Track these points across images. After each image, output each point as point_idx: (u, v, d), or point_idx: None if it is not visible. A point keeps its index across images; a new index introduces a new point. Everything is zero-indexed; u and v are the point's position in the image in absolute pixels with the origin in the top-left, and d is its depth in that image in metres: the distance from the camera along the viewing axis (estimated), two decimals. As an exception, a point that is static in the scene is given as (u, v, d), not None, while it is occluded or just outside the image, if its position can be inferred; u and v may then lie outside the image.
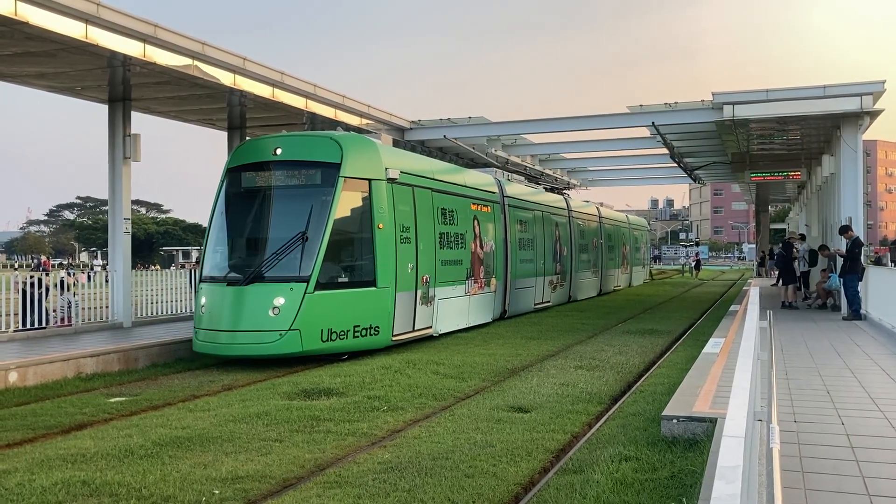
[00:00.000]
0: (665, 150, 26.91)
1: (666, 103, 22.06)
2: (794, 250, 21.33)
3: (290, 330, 12.17)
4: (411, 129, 24.73)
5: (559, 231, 25.53)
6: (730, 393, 3.45)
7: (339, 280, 13.10)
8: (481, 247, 18.27)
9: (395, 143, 21.97)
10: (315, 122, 20.24)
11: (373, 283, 13.31)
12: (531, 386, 10.35)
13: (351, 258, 13.58)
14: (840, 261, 17.55)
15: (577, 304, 25.75)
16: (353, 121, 21.10)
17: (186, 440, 7.43)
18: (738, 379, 3.64)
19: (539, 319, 20.09)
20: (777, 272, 23.99)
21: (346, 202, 13.13)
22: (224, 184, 13.96)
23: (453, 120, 24.55)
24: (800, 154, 26.26)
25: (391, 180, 13.89)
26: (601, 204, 34.52)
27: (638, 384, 10.83)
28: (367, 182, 13.48)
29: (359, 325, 13.02)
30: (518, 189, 22.41)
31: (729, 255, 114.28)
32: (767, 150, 26.13)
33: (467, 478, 6.27)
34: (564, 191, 32.04)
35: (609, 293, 32.28)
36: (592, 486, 6.01)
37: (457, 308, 16.81)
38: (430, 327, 15.35)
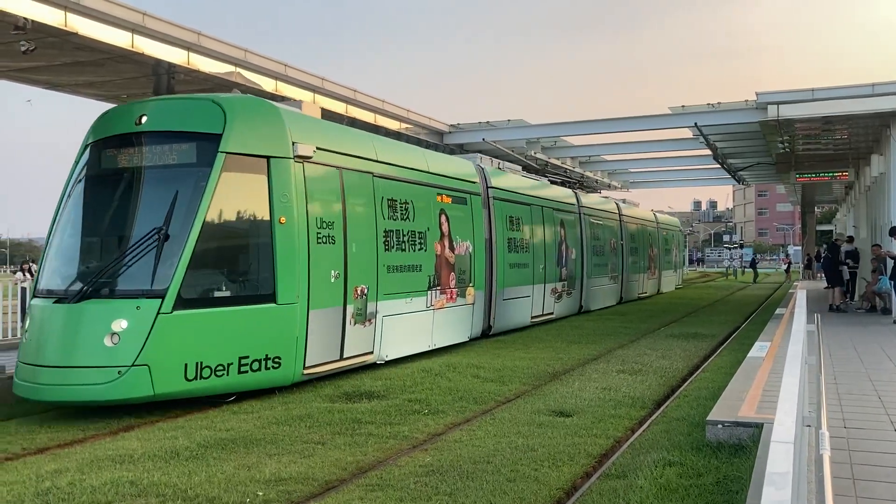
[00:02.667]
0: (708, 151, 26.57)
1: (709, 103, 21.80)
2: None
3: (133, 366, 8.69)
4: (450, 132, 24.78)
5: (566, 231, 21.63)
6: (777, 398, 3.39)
7: (216, 295, 9.58)
8: (451, 248, 14.50)
9: (435, 148, 22.00)
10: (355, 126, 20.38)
11: (271, 298, 9.83)
12: (573, 390, 10.27)
13: (236, 264, 10.15)
14: (890, 263, 17.11)
15: (617, 309, 25.43)
16: (392, 125, 21.21)
17: (230, 442, 7.52)
18: (787, 383, 3.58)
19: (581, 323, 19.92)
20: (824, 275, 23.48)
21: (228, 187, 9.63)
22: (77, 164, 10.59)
23: (492, 123, 24.55)
24: (847, 154, 25.69)
25: (302, 159, 10.41)
26: (623, 201, 30.76)
27: (682, 388, 10.68)
28: (263, 160, 10.01)
29: (248, 357, 9.52)
30: (509, 180, 18.46)
31: (774, 257, 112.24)
32: (813, 151, 25.63)
33: (509, 482, 6.25)
34: (583, 187, 28.56)
35: (632, 301, 28.53)
36: (636, 491, 5.94)
37: (413, 326, 13.21)
38: (371, 353, 11.88)
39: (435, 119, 23.96)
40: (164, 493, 5.92)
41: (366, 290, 11.67)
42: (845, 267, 20.64)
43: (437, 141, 24.20)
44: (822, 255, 27.48)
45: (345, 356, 11.23)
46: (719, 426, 7.17)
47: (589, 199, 25.18)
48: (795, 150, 25.12)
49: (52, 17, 11.78)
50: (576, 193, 23.79)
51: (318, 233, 10.51)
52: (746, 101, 21.12)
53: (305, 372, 10.26)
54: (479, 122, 24.68)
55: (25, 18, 11.42)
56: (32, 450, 7.01)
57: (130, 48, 13.07)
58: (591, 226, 24.10)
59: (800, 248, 56.36)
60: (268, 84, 16.10)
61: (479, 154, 18.83)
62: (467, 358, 13.17)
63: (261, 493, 5.95)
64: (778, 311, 19.73)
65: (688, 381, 11.23)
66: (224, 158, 9.63)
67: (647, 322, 20.13)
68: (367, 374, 11.48)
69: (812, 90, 18.94)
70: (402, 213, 12.93)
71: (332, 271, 10.84)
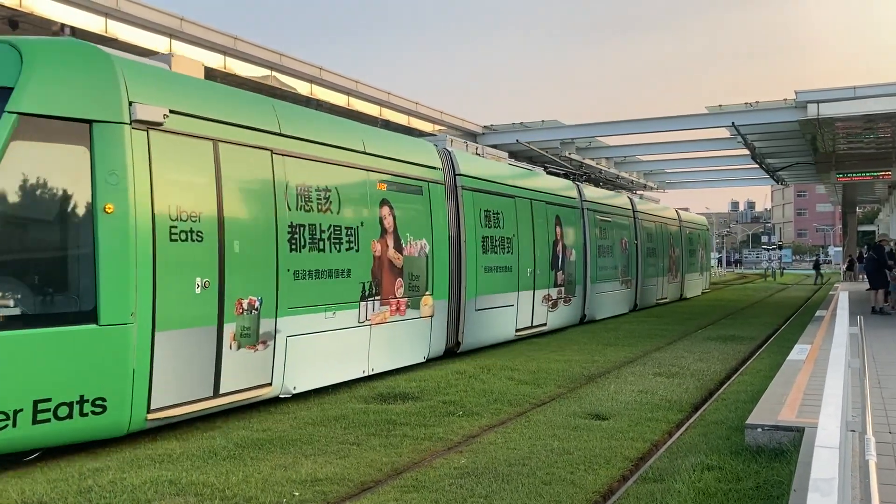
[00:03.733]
0: (746, 151, 26.24)
1: (746, 103, 21.54)
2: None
3: None
4: (484, 133, 24.77)
5: (564, 228, 18.51)
6: (818, 402, 3.32)
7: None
8: (398, 248, 11.79)
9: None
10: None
11: (89, 317, 7.24)
12: (609, 393, 10.19)
13: (33, 270, 7.34)
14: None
15: (651, 311, 25.16)
16: (426, 127, 21.27)
17: (267, 442, 7.58)
18: (830, 387, 3.50)
19: (617, 325, 19.76)
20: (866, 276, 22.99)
21: (23, 162, 7.10)
22: None
23: (526, 124, 24.50)
24: (890, 153, 25.15)
25: (146, 125, 7.72)
26: (639, 196, 28.39)
27: (719, 392, 10.54)
28: (82, 126, 7.43)
29: (50, 400, 6.91)
30: (484, 167, 15.28)
31: (813, 258, 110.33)
32: (855, 150, 25.15)
33: (544, 485, 6.21)
34: (586, 179, 25.09)
35: (650, 307, 25.76)
36: (674, 495, 5.87)
37: (338, 348, 10.49)
38: (268, 384, 9.11)
39: (468, 121, 23.98)
40: (202, 493, 5.99)
41: (257, 303, 8.87)
42: (890, 269, 20.20)
43: (470, 142, 24.22)
44: (865, 256, 26.91)
45: (222, 391, 8.40)
46: (759, 430, 7.06)
47: (595, 193, 22.17)
48: (836, 149, 24.68)
49: (94, 23, 12.02)
50: (577, 186, 20.67)
51: (172, 227, 7.82)
52: (785, 99, 20.82)
53: (151, 417, 7.55)
54: (513, 123, 24.67)
55: (63, 24, 11.66)
56: (74, 448, 7.14)
57: (168, 53, 13.26)
58: (596, 223, 20.95)
59: (840, 249, 55.25)
60: (303, 87, 16.24)
61: (448, 137, 15.90)
62: (501, 360, 13.13)
63: (297, 494, 5.99)
64: (818, 313, 19.36)
65: (726, 385, 11.08)
66: (16, 122, 6.99)
67: (684, 324, 19.89)
68: (402, 375, 11.50)
69: (854, 88, 18.61)
70: (320, 203, 10.06)
71: (198, 279, 8.10)
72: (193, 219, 8.10)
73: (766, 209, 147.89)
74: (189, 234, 8.05)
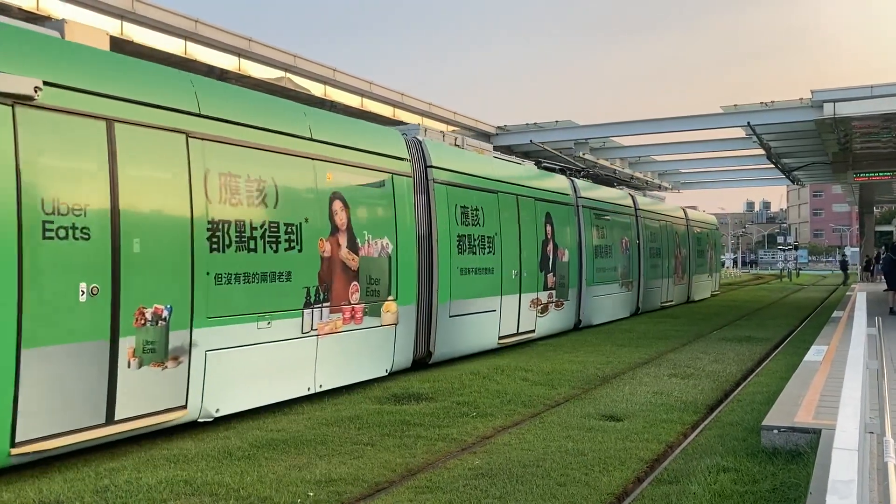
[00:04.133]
0: (761, 151, 26.09)
1: (762, 102, 21.42)
2: None
3: None
4: (497, 134, 24.75)
5: (556, 227, 16.94)
6: (836, 403, 3.29)
7: None
8: (353, 248, 10.39)
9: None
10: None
11: None
12: (623, 394, 10.15)
13: None
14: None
15: (670, 311, 25.04)
16: (440, 127, 21.29)
17: (281, 442, 7.61)
18: (848, 388, 3.47)
19: (631, 326, 19.68)
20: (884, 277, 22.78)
21: None
22: None
23: (540, 124, 24.46)
24: (908, 152, 24.93)
25: (12, 100, 6.50)
26: (643, 194, 27.16)
27: (735, 393, 10.48)
28: None
29: None
30: (459, 159, 13.70)
31: (830, 259, 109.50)
32: (872, 149, 24.93)
33: (559, 486, 6.19)
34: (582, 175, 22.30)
35: (654, 310, 24.24)
36: (689, 497, 5.84)
37: (276, 362, 9.07)
38: (182, 407, 7.85)
39: (482, 121, 23.97)
40: (217, 493, 6.01)
41: (166, 312, 7.57)
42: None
43: (484, 142, 24.19)
44: (882, 256, 26.68)
45: (118, 418, 7.15)
46: (775, 431, 7.01)
47: (591, 189, 20.36)
48: (853, 148, 24.47)
49: (110, 26, 12.09)
50: (572, 181, 19.02)
51: (47, 222, 6.60)
52: (801, 99, 20.68)
53: (16, 452, 6.31)
54: (527, 124, 24.64)
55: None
56: (91, 448, 7.18)
57: (184, 55, 13.36)
58: (592, 221, 19.31)
59: (857, 249, 54.75)
60: (317, 89, 16.29)
61: (420, 126, 14.45)
62: (515, 361, 13.10)
63: (311, 494, 6.00)
64: (835, 314, 19.22)
65: (741, 386, 11.02)
66: None
67: (699, 325, 19.79)
68: (416, 376, 11.51)
69: (871, 87, 18.46)
70: (252, 197, 8.75)
71: (84, 284, 6.87)
72: (77, 212, 6.82)
73: (781, 209, 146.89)
74: (70, 230, 6.76)
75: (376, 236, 10.91)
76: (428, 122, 20.77)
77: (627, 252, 21.82)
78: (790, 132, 23.46)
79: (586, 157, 26.37)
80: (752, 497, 5.83)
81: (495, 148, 24.33)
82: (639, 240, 23.04)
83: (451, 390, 10.41)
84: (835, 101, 18.54)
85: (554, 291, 16.69)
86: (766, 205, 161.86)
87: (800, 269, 68.13)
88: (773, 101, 21.25)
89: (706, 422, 8.73)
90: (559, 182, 18.05)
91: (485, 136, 24.24)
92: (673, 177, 36.49)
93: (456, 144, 14.24)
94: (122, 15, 12.37)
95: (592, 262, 18.91)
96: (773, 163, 28.34)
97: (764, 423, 7.24)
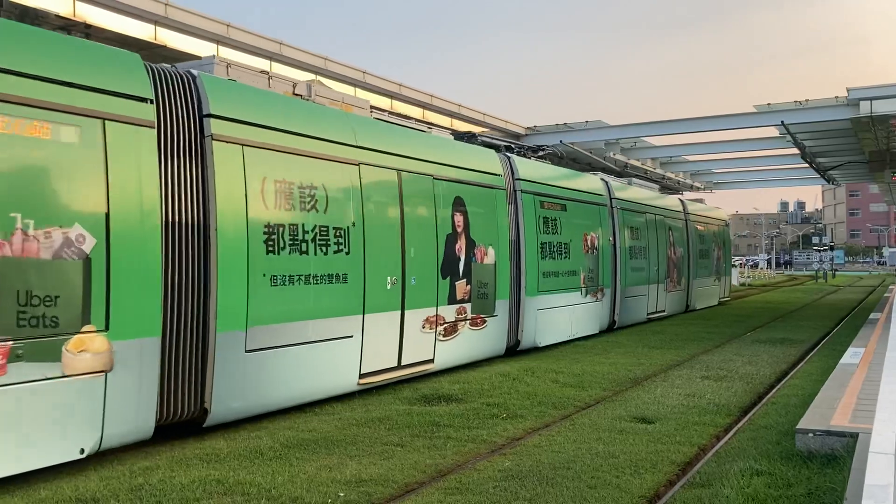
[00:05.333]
0: (795, 150, 25.70)
1: (796, 101, 21.09)
2: None
3: None
4: (527, 135, 24.69)
5: (472, 218, 12.67)
6: (873, 406, 3.23)
7: None
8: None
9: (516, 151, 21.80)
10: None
11: None
12: (655, 396, 10.06)
13: None
14: None
15: (701, 312, 24.71)
16: (469, 128, 21.30)
17: (312, 442, 7.65)
18: (885, 391, 3.41)
19: (663, 328, 19.47)
20: None
21: None
22: None
23: (570, 125, 24.34)
24: (948, 151, 24.41)
25: None
26: (627, 181, 21.67)
27: (769, 396, 10.33)
28: None
29: None
30: (253, 97, 9.23)
31: (867, 259, 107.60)
32: (910, 148, 24.43)
33: (590, 489, 6.16)
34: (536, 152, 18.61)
35: (639, 323, 19.92)
36: (722, 500, 5.77)
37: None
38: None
39: (511, 122, 23.92)
40: (248, 492, 6.07)
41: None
42: None
43: (513, 143, 24.12)
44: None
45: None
46: (810, 435, 6.90)
47: (535, 170, 15.63)
48: (890, 147, 24.01)
49: (143, 31, 12.28)
50: (507, 158, 14.67)
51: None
52: (837, 97, 20.34)
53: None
54: (557, 124, 24.51)
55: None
56: (125, 447, 7.28)
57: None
58: (536, 212, 14.89)
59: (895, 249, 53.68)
60: (347, 91, 16.37)
61: (220, 61, 9.72)
62: (545, 363, 13.05)
63: (342, 494, 6.03)
64: (873, 315, 18.87)
65: (775, 388, 10.86)
66: None
67: (732, 327, 19.54)
68: (445, 377, 11.51)
69: (908, 84, 18.09)
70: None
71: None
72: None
73: (816, 209, 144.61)
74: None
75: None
76: (457, 124, 20.77)
77: (595, 252, 17.48)
78: (825, 131, 23.08)
79: (617, 157, 26.19)
80: (787, 501, 5.74)
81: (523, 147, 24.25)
82: (612, 236, 18.50)
83: (480, 391, 10.40)
84: (872, 98, 18.22)
85: (468, 305, 12.48)
86: (801, 205, 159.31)
87: (836, 270, 66.96)
88: (807, 100, 20.92)
89: (739, 425, 8.62)
90: (480, 154, 13.86)
91: (514, 136, 24.18)
92: (705, 177, 36.09)
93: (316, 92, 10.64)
94: (156, 20, 12.54)
95: (537, 265, 14.68)
96: (807, 162, 27.91)
97: (799, 426, 7.12)
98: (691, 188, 35.31)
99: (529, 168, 15.26)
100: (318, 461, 7.00)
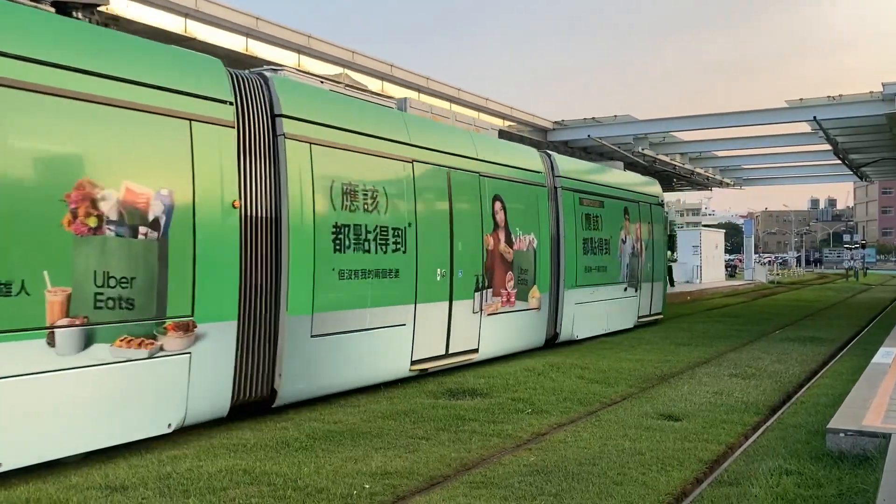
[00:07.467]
0: (828, 146, 25.34)
1: (829, 96, 20.78)
2: None
3: None
4: (554, 129, 24.56)
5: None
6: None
7: None
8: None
9: (537, 145, 21.72)
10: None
11: None
12: (682, 393, 9.97)
13: None
14: None
15: (727, 310, 24.48)
16: (496, 122, 21.22)
17: (338, 434, 7.68)
18: (922, 392, 3.33)
19: (690, 325, 19.31)
20: None
21: None
22: None
23: (598, 119, 24.17)
24: None
25: None
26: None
27: (798, 394, 10.20)
28: None
29: None
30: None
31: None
32: (946, 144, 23.98)
33: (615, 485, 6.12)
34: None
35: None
36: (750, 499, 5.71)
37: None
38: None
39: (539, 116, 23.80)
40: (274, 483, 6.11)
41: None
42: None
43: (540, 138, 24.00)
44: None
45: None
46: (841, 435, 6.80)
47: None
48: (926, 143, 23.58)
49: (174, 23, 12.37)
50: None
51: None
52: (871, 92, 20.00)
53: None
54: (585, 119, 24.35)
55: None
56: (154, 437, 7.36)
57: (245, 52, 13.58)
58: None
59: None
60: (374, 84, 16.39)
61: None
62: (570, 358, 12.99)
63: (367, 486, 6.05)
64: (905, 315, 18.55)
65: (805, 387, 10.72)
66: None
67: (761, 325, 19.33)
68: (471, 371, 11.50)
69: (946, 79, 17.73)
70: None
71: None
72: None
73: (847, 207, 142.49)
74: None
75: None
76: (484, 117, 20.72)
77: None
78: (859, 126, 22.72)
79: (646, 152, 25.99)
80: (817, 502, 5.67)
81: (551, 142, 24.09)
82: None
83: (505, 386, 10.38)
84: (907, 93, 17.90)
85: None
86: (832, 202, 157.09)
87: (867, 269, 65.93)
88: (840, 95, 20.61)
89: (768, 423, 8.52)
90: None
91: (541, 131, 24.06)
92: (735, 173, 35.68)
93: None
94: (187, 13, 12.64)
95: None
96: (840, 159, 27.53)
97: (829, 425, 7.02)
98: (720, 184, 34.93)
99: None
100: (343, 453, 7.03)
